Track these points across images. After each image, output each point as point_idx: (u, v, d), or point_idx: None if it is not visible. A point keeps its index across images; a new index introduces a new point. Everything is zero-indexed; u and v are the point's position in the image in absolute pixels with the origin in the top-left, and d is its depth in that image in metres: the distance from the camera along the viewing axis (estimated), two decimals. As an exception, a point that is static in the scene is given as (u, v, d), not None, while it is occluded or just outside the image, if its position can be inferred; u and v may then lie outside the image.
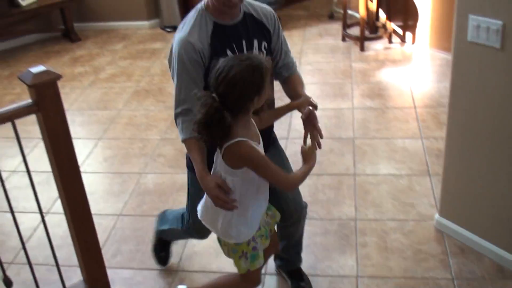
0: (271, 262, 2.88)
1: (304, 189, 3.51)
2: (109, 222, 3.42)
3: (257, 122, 2.14)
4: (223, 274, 2.69)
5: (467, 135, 2.68)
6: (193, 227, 2.56)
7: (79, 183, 2.48)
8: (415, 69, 5.03)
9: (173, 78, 2.31)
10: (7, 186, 2.49)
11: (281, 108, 2.33)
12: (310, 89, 4.74)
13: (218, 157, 2.07)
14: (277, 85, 2.42)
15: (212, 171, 2.12)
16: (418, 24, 5.35)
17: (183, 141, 2.24)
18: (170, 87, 5.08)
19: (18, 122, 2.29)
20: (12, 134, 2.30)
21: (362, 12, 5.33)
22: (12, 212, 2.45)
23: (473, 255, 2.86)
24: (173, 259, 3.06)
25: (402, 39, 5.56)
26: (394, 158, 3.78)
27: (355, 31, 5.70)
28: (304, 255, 2.84)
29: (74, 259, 2.66)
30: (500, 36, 2.31)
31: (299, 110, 2.31)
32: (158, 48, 6.04)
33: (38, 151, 4.23)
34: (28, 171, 2.46)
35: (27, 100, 2.24)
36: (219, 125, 1.89)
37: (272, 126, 2.51)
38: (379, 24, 5.74)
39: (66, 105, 4.42)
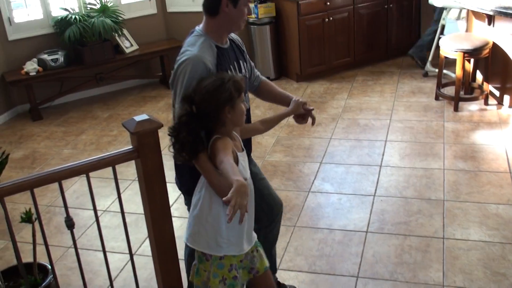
0: None
1: (390, 249, 3.45)
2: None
3: (256, 130, 2.67)
4: None
5: None
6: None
7: (169, 227, 2.55)
8: (511, 132, 4.86)
9: (176, 98, 2.36)
10: (99, 225, 2.59)
11: (278, 116, 2.73)
12: (401, 147, 4.68)
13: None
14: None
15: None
16: (517, 86, 5.21)
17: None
18: (259, 137, 5.16)
19: (115, 163, 2.39)
20: (106, 175, 2.41)
21: (458, 72, 5.25)
22: (104, 251, 2.54)
23: None
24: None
25: (499, 101, 5.40)
26: (486, 224, 3.63)
27: (449, 90, 5.60)
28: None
29: (158, 302, 2.72)
30: None
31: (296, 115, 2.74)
32: (250, 98, 6.16)
33: (129, 192, 4.39)
34: (122, 212, 2.55)
35: (127, 146, 2.34)
36: (187, 128, 2.18)
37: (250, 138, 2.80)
38: (475, 85, 5.62)
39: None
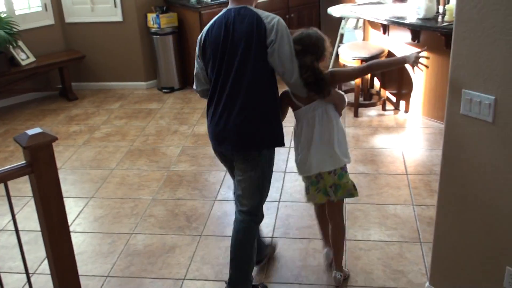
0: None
1: (295, 253, 3.50)
2: (96, 283, 3.36)
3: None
4: (332, 234, 3.19)
5: (459, 206, 2.69)
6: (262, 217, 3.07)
7: (68, 245, 2.46)
8: (407, 136, 5.09)
9: (291, 50, 2.77)
10: (-5, 245, 2.46)
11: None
12: (304, 154, 4.78)
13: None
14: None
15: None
16: (412, 93, 5.45)
17: None
18: (164, 147, 5.11)
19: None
20: (1, 191, 2.30)
21: (357, 79, 5.43)
22: (-2, 272, 2.41)
23: (466, 327, 2.82)
24: None
25: (396, 106, 5.65)
26: (385, 224, 3.77)
27: (349, 97, 5.78)
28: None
29: (59, 323, 2.61)
30: (492, 110, 2.36)
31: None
32: (154, 109, 6.10)
33: (28, 209, 4.21)
34: (16, 230, 2.44)
35: (21, 161, 2.24)
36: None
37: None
38: (373, 91, 5.84)
39: (59, 164, 4.44)
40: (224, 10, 2.95)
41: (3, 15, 5.98)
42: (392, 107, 5.68)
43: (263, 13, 2.79)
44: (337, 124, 2.96)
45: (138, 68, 6.69)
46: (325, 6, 6.78)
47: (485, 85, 2.38)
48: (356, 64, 5.32)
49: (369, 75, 5.78)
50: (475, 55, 2.40)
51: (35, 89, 6.58)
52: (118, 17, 6.45)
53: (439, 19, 4.88)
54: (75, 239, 3.65)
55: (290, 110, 3.02)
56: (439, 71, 5.05)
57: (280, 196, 4.20)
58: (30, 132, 2.17)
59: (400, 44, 5.41)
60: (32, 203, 4.30)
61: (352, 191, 3.06)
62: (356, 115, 5.54)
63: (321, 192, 3.05)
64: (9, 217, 4.11)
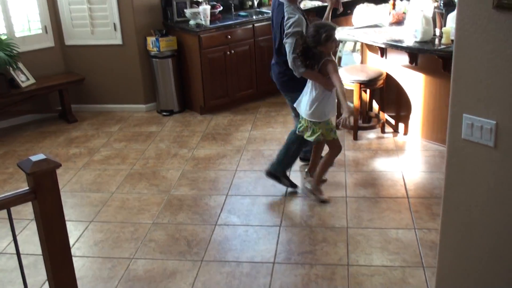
0: None
1: (297, 279, 3.49)
2: (97, 309, 3.34)
3: None
4: (322, 159, 4.49)
5: (462, 230, 2.68)
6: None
7: (69, 270, 2.45)
8: (407, 159, 5.09)
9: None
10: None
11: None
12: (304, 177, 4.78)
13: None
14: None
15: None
16: (411, 115, 5.47)
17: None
18: (164, 170, 5.11)
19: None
20: (1, 214, 2.29)
21: (355, 102, 5.46)
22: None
23: None
24: None
25: (395, 129, 5.66)
26: (387, 249, 3.75)
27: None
28: None
29: None
30: (493, 135, 2.37)
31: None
32: (153, 131, 6.10)
33: (27, 233, 4.19)
34: (18, 255, 2.42)
35: (25, 184, 2.24)
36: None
37: None
38: (372, 114, 5.86)
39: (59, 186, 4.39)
40: None
41: (3, 37, 6.01)
42: (391, 130, 5.70)
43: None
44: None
45: (137, 90, 6.71)
46: (324, 29, 6.83)
47: (486, 110, 2.39)
48: (355, 87, 5.35)
49: (368, 98, 5.80)
50: (475, 80, 2.41)
51: (34, 110, 6.58)
52: (118, 40, 6.48)
53: (436, 41, 4.92)
54: (75, 263, 3.61)
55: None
56: (437, 93, 5.08)
57: (281, 220, 4.18)
58: (34, 158, 2.17)
59: (398, 67, 5.45)
60: (31, 226, 4.30)
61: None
62: (355, 138, 5.55)
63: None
64: (8, 240, 4.10)
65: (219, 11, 6.56)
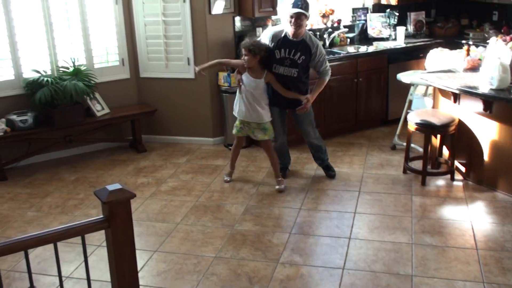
0: None
1: (359, 326, 3.40)
2: None
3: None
4: (269, 157, 5.54)
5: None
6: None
7: (136, 300, 2.48)
8: (477, 209, 4.93)
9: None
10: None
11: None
12: (369, 220, 4.71)
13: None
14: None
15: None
16: (483, 163, 5.32)
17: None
18: (229, 204, 5.15)
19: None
20: (72, 239, 2.35)
21: (425, 147, 5.36)
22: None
23: None
24: None
25: (465, 177, 5.52)
26: (454, 301, 3.63)
27: (416, 164, 5.70)
28: None
29: None
30: None
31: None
32: (219, 165, 6.18)
33: (94, 258, 4.28)
34: (88, 279, 2.48)
35: (94, 210, 2.31)
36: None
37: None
38: (441, 160, 5.74)
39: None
40: None
41: (83, 68, 6.27)
42: (461, 177, 5.55)
43: None
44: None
45: (206, 124, 6.83)
46: (394, 72, 6.79)
47: None
48: (425, 132, 5.27)
49: (438, 143, 5.68)
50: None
51: (107, 139, 6.80)
52: (191, 74, 6.64)
53: (513, 90, 4.81)
54: (138, 292, 3.67)
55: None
56: (512, 143, 4.93)
57: (345, 263, 4.12)
58: (110, 187, 2.23)
59: (471, 113, 5.33)
60: (97, 252, 4.40)
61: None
62: (423, 183, 5.43)
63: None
64: (76, 264, 4.20)
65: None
